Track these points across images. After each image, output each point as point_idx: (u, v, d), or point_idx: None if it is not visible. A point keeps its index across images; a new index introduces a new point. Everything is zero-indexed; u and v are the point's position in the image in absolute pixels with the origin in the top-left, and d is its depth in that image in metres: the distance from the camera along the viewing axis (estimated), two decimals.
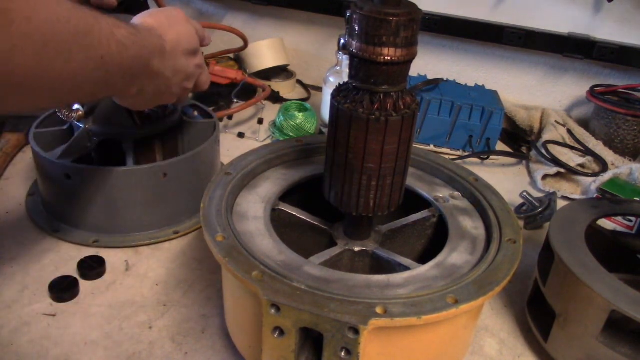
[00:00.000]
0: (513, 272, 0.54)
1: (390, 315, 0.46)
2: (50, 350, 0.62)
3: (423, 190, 0.69)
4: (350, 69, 0.55)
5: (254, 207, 0.63)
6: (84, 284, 0.72)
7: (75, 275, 0.72)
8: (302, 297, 0.48)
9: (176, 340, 0.65)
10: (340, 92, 0.56)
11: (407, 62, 0.53)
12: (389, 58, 0.51)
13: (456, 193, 0.69)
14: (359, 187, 0.57)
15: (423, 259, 0.63)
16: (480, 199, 0.66)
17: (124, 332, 0.65)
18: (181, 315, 0.69)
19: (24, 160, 0.99)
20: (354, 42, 0.52)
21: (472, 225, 0.64)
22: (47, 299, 0.69)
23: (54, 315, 0.67)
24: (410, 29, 0.50)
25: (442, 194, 0.69)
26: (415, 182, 0.71)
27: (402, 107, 0.54)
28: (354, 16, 0.51)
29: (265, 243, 0.58)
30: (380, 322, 0.46)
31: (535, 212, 0.90)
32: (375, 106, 0.53)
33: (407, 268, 0.57)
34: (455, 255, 0.59)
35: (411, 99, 0.55)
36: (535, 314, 0.69)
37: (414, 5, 0.52)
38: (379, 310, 0.47)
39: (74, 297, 0.70)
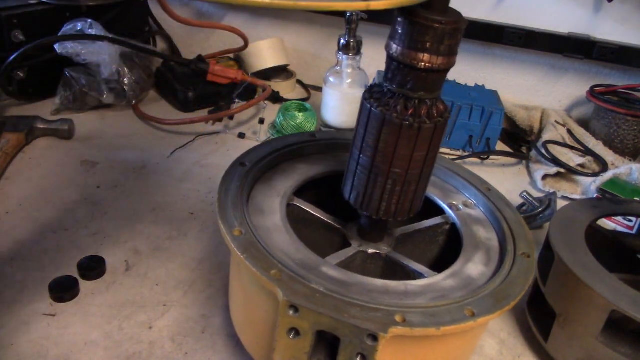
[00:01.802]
0: (528, 286, 0.54)
1: (410, 324, 0.46)
2: (50, 350, 0.62)
3: (436, 197, 0.69)
4: (386, 72, 0.54)
5: (270, 200, 0.62)
6: (84, 284, 0.72)
7: (75, 275, 0.72)
8: (323, 300, 0.47)
9: (176, 340, 0.65)
10: (372, 93, 0.55)
11: (446, 71, 0.52)
12: (430, 65, 0.50)
13: (469, 201, 0.69)
14: (382, 190, 0.56)
15: (433, 265, 0.62)
16: (493, 210, 0.65)
17: (124, 332, 0.65)
18: (181, 315, 0.69)
19: (24, 160, 0.99)
20: (394, 46, 0.51)
21: (485, 235, 0.63)
22: (47, 299, 0.69)
23: (54, 315, 0.67)
24: (454, 37, 0.50)
25: (455, 201, 0.68)
26: (429, 187, 0.70)
27: (436, 114, 0.53)
28: (399, 19, 0.50)
29: (282, 239, 0.56)
30: (400, 330, 0.45)
31: (535, 212, 0.90)
32: (410, 112, 0.52)
33: (420, 274, 0.57)
34: (470, 266, 0.58)
35: (444, 107, 0.54)
36: (535, 314, 0.69)
37: (459, 14, 0.51)
38: (398, 318, 0.46)
39: (74, 297, 0.70)
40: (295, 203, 0.64)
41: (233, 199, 0.57)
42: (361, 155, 0.56)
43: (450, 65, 0.51)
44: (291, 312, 0.47)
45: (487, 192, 0.68)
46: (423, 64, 0.50)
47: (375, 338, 0.45)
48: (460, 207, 0.67)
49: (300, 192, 0.67)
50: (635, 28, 1.19)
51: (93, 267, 0.73)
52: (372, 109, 0.54)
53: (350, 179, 0.59)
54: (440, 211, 0.68)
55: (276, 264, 0.50)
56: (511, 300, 0.51)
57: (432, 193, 0.69)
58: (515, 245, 0.59)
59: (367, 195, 0.58)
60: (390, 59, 0.52)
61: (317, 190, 0.70)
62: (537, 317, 0.68)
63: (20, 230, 0.81)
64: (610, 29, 1.20)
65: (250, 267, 0.50)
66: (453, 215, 0.66)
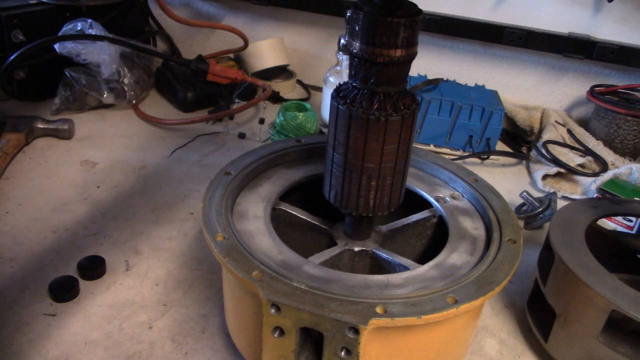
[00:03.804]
0: (513, 272, 0.54)
1: (391, 315, 0.46)
2: (50, 350, 0.62)
3: (423, 191, 0.69)
4: (350, 69, 0.55)
5: (255, 206, 0.63)
6: (84, 284, 0.72)
7: (75, 275, 0.72)
8: (302, 297, 0.48)
9: (176, 340, 0.65)
10: (340, 92, 0.56)
11: (407, 62, 0.53)
12: (389, 58, 0.51)
13: (456, 193, 0.69)
14: (358, 186, 0.57)
15: (424, 259, 0.63)
16: (480, 199, 0.66)
17: (124, 332, 0.65)
18: (181, 315, 0.69)
19: (24, 160, 0.99)
20: (354, 42, 0.52)
21: (472, 225, 0.64)
22: (47, 299, 0.69)
23: (54, 315, 0.67)
24: (410, 29, 0.50)
25: (442, 194, 0.69)
26: (415, 182, 0.71)
27: (402, 107, 0.54)
28: (354, 16, 0.51)
29: (265, 242, 0.58)
30: (380, 321, 0.46)
31: (535, 212, 0.90)
32: (375, 106, 0.53)
33: (406, 268, 0.58)
34: (454, 256, 0.59)
35: (411, 99, 0.55)
36: (535, 314, 0.69)
37: (414, 6, 0.52)
38: (379, 310, 0.47)
39: (74, 297, 0.70)
40: (281, 207, 0.65)
41: (217, 206, 0.59)
42: (335, 154, 0.57)
43: (410, 56, 0.52)
44: (273, 311, 0.47)
45: (474, 182, 0.69)
46: (382, 57, 0.51)
47: (356, 331, 0.46)
48: (447, 199, 0.68)
49: (288, 196, 0.68)
50: (635, 28, 1.19)
51: (93, 267, 0.73)
52: (339, 106, 0.55)
53: (328, 178, 0.60)
54: (427, 205, 0.68)
55: (258, 265, 0.51)
56: (495, 286, 0.51)
57: (419, 187, 0.70)
58: (502, 232, 0.60)
59: (345, 193, 0.58)
60: (351, 56, 0.53)
61: (304, 194, 0.71)
62: (537, 317, 0.68)
63: (20, 230, 0.81)
64: (610, 29, 1.20)
65: (232, 269, 0.51)
66: (440, 207, 0.66)
